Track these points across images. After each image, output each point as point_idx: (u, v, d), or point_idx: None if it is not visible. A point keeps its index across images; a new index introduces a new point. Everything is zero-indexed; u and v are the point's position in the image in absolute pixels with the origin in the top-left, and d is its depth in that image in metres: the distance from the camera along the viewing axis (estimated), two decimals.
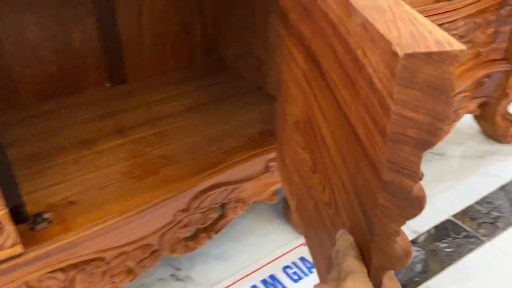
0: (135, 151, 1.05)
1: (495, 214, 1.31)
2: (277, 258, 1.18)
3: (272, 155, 1.05)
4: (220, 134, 1.11)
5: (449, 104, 0.36)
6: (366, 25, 0.40)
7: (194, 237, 1.03)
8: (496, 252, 1.19)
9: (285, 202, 1.22)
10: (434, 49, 0.34)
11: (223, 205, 1.04)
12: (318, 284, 0.51)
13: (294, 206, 0.79)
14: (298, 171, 0.71)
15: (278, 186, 1.10)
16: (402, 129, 0.37)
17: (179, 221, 0.96)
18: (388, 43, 0.36)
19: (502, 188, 1.39)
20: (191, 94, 1.29)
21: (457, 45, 0.34)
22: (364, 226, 0.46)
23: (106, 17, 1.20)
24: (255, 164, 1.05)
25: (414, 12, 0.41)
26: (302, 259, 1.17)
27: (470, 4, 1.11)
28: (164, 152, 1.06)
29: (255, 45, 1.23)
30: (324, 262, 0.62)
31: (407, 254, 0.46)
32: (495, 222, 1.28)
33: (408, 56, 0.34)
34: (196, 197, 0.97)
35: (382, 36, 0.37)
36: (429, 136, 0.38)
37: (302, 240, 1.19)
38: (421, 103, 0.36)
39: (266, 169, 1.08)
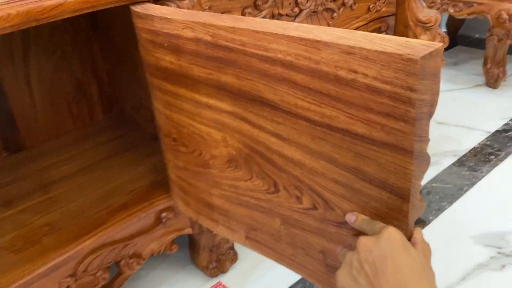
0: (20, 222, 0.84)
1: None
2: None
3: (163, 205, 0.86)
4: (109, 192, 0.90)
5: (439, 82, 0.41)
6: (352, 50, 0.42)
7: None
8: None
9: (191, 247, 1.01)
10: (431, 49, 0.38)
11: (117, 263, 0.84)
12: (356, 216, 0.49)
13: (244, 237, 0.67)
14: (245, 202, 0.64)
15: (174, 235, 0.89)
16: (421, 109, 0.40)
17: (67, 287, 0.76)
18: (394, 55, 0.39)
19: None
20: (88, 153, 1.05)
21: (437, 43, 0.39)
22: (388, 198, 0.46)
23: None
24: (144, 218, 0.84)
25: (367, 33, 0.43)
26: None
27: None
28: (49, 220, 0.84)
29: (145, 99, 1.04)
30: (318, 258, 0.57)
31: (423, 203, 0.50)
32: None
33: (422, 58, 0.38)
34: (81, 261, 0.77)
35: (381, 52, 0.40)
36: (432, 108, 0.41)
37: (213, 282, 0.97)
38: (429, 87, 0.40)
39: (159, 220, 0.86)
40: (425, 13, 0.78)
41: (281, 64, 0.49)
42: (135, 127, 1.13)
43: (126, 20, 0.80)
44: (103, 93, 1.17)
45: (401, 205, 0.45)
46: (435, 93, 0.41)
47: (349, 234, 0.52)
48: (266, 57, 0.50)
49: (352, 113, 0.45)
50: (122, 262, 0.84)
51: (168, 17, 0.58)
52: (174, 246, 0.92)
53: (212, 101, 0.59)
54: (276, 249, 0.64)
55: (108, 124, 1.15)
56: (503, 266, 0.89)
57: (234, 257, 0.97)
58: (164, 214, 0.87)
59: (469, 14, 1.34)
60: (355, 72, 0.42)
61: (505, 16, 1.24)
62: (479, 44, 1.95)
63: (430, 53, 0.38)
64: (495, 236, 0.97)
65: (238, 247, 0.99)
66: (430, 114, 0.41)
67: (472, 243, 0.96)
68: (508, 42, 1.29)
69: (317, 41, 0.44)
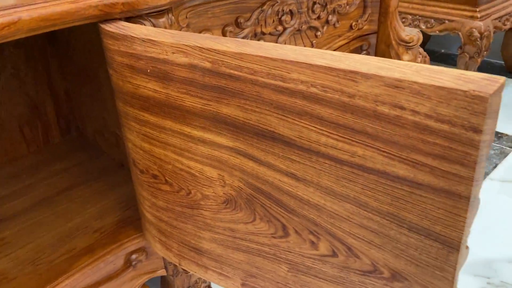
0: None
1: None
2: None
3: (134, 246, 0.76)
4: (71, 231, 0.78)
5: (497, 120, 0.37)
6: (399, 84, 0.36)
7: None
8: None
9: None
10: (497, 84, 0.34)
11: None
12: None
13: (240, 284, 0.59)
14: (243, 247, 0.56)
15: (146, 278, 0.80)
16: (482, 151, 0.35)
17: None
18: (456, 91, 0.34)
19: None
20: (44, 183, 0.91)
21: (499, 77, 0.35)
22: (431, 247, 0.40)
23: None
24: (112, 262, 0.74)
25: (411, 63, 0.38)
26: None
27: None
28: (1, 267, 0.71)
29: (109, 122, 0.94)
30: None
31: (468, 250, 0.43)
32: None
33: (491, 95, 0.33)
34: None
35: (439, 88, 0.34)
36: (489, 149, 0.37)
37: None
38: (491, 126, 0.35)
39: (128, 263, 0.76)
40: (407, 32, 0.76)
41: (302, 96, 0.42)
42: (97, 152, 1.01)
43: (90, 36, 0.70)
44: (60, 114, 1.04)
45: (447, 255, 0.40)
46: (493, 133, 0.36)
47: (376, 285, 0.47)
48: (283, 88, 0.43)
49: (393, 153, 0.39)
50: None
51: (153, 38, 0.50)
52: None
53: (207, 136, 0.51)
54: None
55: (66, 149, 1.02)
56: None
57: None
58: (134, 256, 0.76)
59: (440, 31, 1.35)
60: (402, 108, 0.37)
61: (476, 34, 1.26)
62: (446, 59, 2.01)
63: (498, 89, 0.33)
64: (482, 265, 0.95)
65: (215, 285, 0.91)
66: (487, 156, 0.37)
67: (460, 273, 0.94)
68: (479, 59, 1.32)
69: (353, 72, 0.38)
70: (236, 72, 0.45)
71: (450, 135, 0.35)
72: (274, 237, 0.52)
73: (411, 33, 0.76)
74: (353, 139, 0.41)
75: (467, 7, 1.40)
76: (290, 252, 0.52)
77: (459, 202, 0.37)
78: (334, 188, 0.44)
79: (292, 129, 0.44)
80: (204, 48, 0.46)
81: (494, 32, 1.45)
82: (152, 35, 0.50)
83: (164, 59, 0.50)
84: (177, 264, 0.66)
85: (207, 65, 0.47)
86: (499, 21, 1.43)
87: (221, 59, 0.45)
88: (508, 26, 1.50)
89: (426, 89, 0.35)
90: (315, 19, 0.74)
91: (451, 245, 0.39)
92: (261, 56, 0.43)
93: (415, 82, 0.35)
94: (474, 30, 1.26)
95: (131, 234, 0.76)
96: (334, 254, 0.48)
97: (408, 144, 0.38)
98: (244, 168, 0.50)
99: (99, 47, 0.65)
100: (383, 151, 0.39)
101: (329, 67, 0.39)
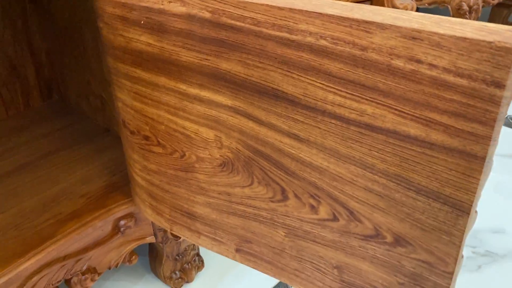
0: None
1: None
2: None
3: (123, 212, 0.73)
4: (56, 196, 0.75)
5: None
6: (418, 35, 0.33)
7: None
8: None
9: (151, 256, 0.88)
10: None
11: (67, 280, 0.71)
12: None
13: (234, 250, 0.58)
14: (239, 211, 0.54)
15: (135, 244, 0.77)
16: (503, 108, 0.33)
17: None
18: (479, 42, 0.31)
19: None
20: (25, 147, 0.86)
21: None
22: (440, 210, 0.39)
23: None
24: (100, 228, 0.72)
25: (428, 14, 0.35)
26: None
27: None
28: None
29: (94, 84, 0.89)
30: (331, 274, 0.50)
31: (476, 214, 0.42)
32: None
33: None
34: (24, 283, 0.64)
35: (461, 39, 0.32)
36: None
37: None
38: None
39: (117, 229, 0.74)
40: (401, 1, 0.73)
41: (309, 49, 0.39)
42: (80, 117, 0.96)
43: None
44: (41, 77, 0.98)
45: (456, 218, 0.39)
46: None
47: (377, 250, 0.45)
48: (289, 41, 0.40)
49: (406, 110, 0.37)
50: (74, 280, 0.71)
51: None
52: (134, 257, 0.79)
53: (204, 93, 0.49)
54: (275, 263, 0.55)
55: (48, 113, 0.96)
56: (479, 267, 0.88)
57: (200, 265, 0.87)
58: (123, 222, 0.73)
59: (429, 4, 1.33)
60: (418, 62, 0.34)
61: (465, 7, 1.24)
62: None
63: None
64: (468, 235, 0.95)
65: (203, 252, 0.89)
66: (506, 114, 0.35)
67: None
68: None
69: (368, 22, 0.35)
70: (238, 23, 0.42)
71: (469, 90, 0.33)
72: (272, 201, 0.51)
73: (405, 2, 0.74)
74: (363, 96, 0.38)
75: None
76: (288, 216, 0.50)
77: (474, 162, 0.35)
78: (339, 149, 0.42)
79: (297, 86, 0.42)
80: None
81: (482, 7, 1.43)
82: None
83: (159, 9, 0.46)
84: (169, 230, 0.64)
85: (207, 15, 0.44)
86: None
87: (222, 8, 0.42)
88: (496, 1, 1.48)
89: (446, 40, 0.32)
90: None
91: (461, 208, 0.38)
92: (266, 5, 0.40)
93: (435, 33, 0.33)
94: (463, 3, 1.24)
95: (119, 199, 0.73)
96: (334, 218, 0.46)
97: (422, 101, 0.36)
98: (243, 128, 0.48)
99: (84, 1, 0.61)
100: (395, 109, 0.37)
101: (341, 17, 0.36)
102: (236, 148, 0.50)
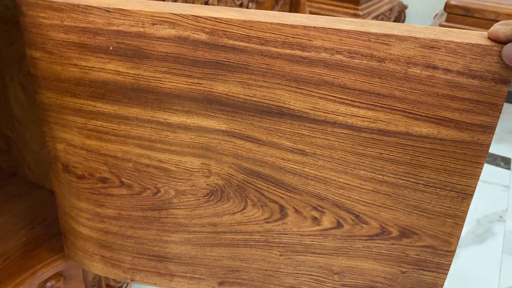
0: None
1: None
2: None
3: (51, 272, 0.62)
4: None
5: None
6: (436, 44, 0.38)
7: None
8: None
9: None
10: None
11: None
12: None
13: (217, 283, 0.54)
14: (226, 240, 0.51)
15: None
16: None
17: None
18: (490, 47, 0.37)
19: None
20: None
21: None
22: (446, 197, 0.43)
23: None
24: None
25: (431, 27, 0.39)
26: None
27: None
28: None
29: None
30: (332, 281, 0.51)
31: None
32: None
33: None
34: None
35: (474, 45, 0.37)
36: None
37: None
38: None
39: None
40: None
41: (323, 65, 0.40)
42: None
43: None
44: None
45: (461, 202, 0.44)
46: None
47: (381, 246, 0.48)
48: (301, 58, 0.40)
49: (419, 112, 0.40)
50: None
51: (123, 8, 0.41)
52: None
53: (192, 120, 0.45)
54: (267, 285, 0.53)
55: None
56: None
57: None
58: (49, 284, 0.62)
59: None
60: (435, 68, 0.38)
61: None
62: None
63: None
64: None
65: None
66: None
67: None
68: None
69: (386, 35, 0.38)
70: (241, 43, 0.40)
71: (479, 89, 0.39)
72: (268, 222, 0.49)
73: None
74: (378, 104, 0.41)
75: (350, 5, 1.66)
76: (286, 234, 0.49)
77: (479, 150, 0.41)
78: (347, 157, 0.44)
79: (306, 102, 0.42)
80: (200, 17, 0.40)
81: None
82: (121, 3, 0.41)
83: (137, 32, 0.41)
84: (128, 281, 0.56)
85: (203, 36, 0.41)
86: (377, 19, 1.67)
87: (224, 28, 0.40)
88: None
89: (462, 47, 0.37)
90: (238, 5, 0.72)
91: (465, 192, 0.43)
92: (277, 24, 0.39)
93: (451, 42, 0.37)
94: None
95: (45, 257, 0.61)
96: (338, 225, 0.48)
97: (436, 102, 0.40)
98: (238, 152, 0.46)
99: None
100: (409, 112, 0.41)
101: (360, 32, 0.38)
102: (228, 173, 0.47)
